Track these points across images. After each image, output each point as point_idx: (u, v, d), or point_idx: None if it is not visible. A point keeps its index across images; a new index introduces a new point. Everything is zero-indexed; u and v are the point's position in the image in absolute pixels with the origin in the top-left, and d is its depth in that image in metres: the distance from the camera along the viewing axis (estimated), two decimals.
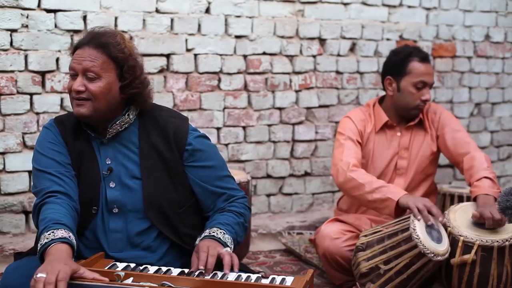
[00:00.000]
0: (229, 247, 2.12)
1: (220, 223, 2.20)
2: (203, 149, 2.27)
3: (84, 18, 3.62)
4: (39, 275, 1.74)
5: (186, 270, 2.01)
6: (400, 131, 3.23)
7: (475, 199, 2.89)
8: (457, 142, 3.16)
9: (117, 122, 2.19)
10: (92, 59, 2.13)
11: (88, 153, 2.21)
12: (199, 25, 3.93)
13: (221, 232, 2.16)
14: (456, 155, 3.15)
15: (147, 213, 2.18)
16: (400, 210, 2.83)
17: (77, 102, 2.15)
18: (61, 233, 1.93)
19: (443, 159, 4.34)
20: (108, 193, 2.18)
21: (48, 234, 1.93)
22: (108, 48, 2.14)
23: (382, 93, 3.38)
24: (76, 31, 3.61)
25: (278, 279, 1.93)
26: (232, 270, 2.00)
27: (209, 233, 2.15)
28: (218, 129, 4.03)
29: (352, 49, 4.39)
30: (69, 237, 1.94)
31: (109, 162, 2.21)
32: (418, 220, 2.66)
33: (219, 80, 4.01)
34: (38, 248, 1.94)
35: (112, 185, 2.19)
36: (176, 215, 2.21)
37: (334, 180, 3.11)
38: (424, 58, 3.15)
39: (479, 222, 2.73)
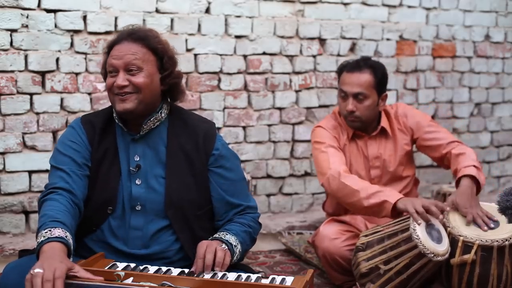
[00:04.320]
0: (231, 244, 2.13)
1: (226, 228, 2.22)
2: (228, 156, 2.30)
3: (84, 18, 3.62)
4: (36, 270, 1.74)
5: (186, 270, 2.01)
6: (367, 141, 3.17)
7: (459, 181, 2.89)
8: (439, 143, 3.11)
9: (151, 119, 2.21)
10: (133, 53, 2.15)
11: (110, 154, 2.21)
12: (199, 25, 3.93)
13: (223, 234, 2.17)
14: (440, 156, 3.12)
15: (166, 212, 2.18)
16: (397, 213, 2.80)
17: (121, 97, 2.15)
18: (58, 232, 1.90)
19: None
20: (133, 190, 2.19)
21: (45, 233, 1.90)
22: (148, 40, 2.18)
23: None
24: (76, 31, 3.61)
25: (278, 279, 1.94)
26: (214, 269, 2.01)
27: (214, 236, 2.17)
28: (218, 129, 4.02)
29: (352, 49, 4.39)
30: (66, 236, 1.91)
31: (138, 159, 2.21)
32: (419, 224, 2.64)
33: (219, 80, 4.01)
34: (36, 246, 1.93)
35: (138, 182, 2.20)
36: (194, 217, 2.22)
37: (326, 189, 3.04)
38: (353, 68, 3.06)
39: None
